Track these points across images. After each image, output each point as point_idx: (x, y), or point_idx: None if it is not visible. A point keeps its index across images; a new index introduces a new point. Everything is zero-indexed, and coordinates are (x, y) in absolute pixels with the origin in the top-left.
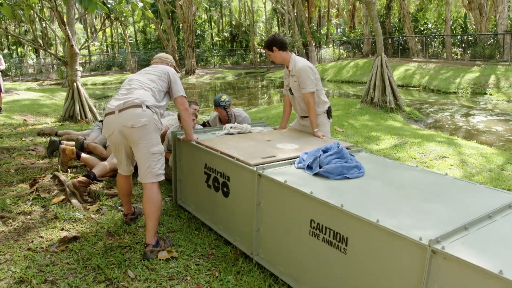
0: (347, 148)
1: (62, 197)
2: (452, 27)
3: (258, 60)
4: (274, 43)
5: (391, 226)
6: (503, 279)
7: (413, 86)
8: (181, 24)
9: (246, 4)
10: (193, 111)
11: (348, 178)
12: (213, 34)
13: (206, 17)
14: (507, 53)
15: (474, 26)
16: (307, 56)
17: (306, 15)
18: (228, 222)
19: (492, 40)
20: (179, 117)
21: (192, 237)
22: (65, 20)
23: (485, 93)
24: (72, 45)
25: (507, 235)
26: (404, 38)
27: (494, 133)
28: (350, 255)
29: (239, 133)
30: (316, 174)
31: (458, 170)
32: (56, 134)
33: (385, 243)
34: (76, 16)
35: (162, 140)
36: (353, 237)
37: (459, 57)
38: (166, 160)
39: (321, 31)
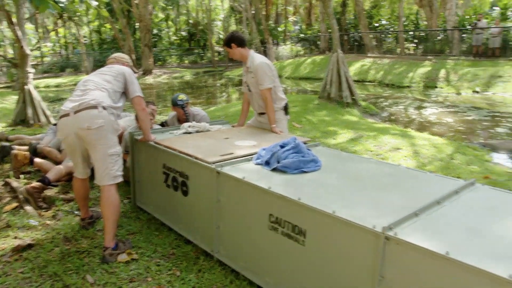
0: (304, 143)
1: (15, 204)
2: (405, 23)
3: (216, 59)
4: (232, 39)
5: (346, 216)
6: (450, 259)
7: (369, 81)
8: (137, 24)
9: (203, 2)
10: (151, 111)
11: (305, 172)
12: (171, 33)
13: (163, 16)
14: (455, 48)
15: (425, 23)
16: (265, 54)
17: (264, 12)
18: (188, 221)
19: (442, 35)
20: (136, 118)
21: (152, 238)
22: (14, 20)
23: (436, 87)
24: (22, 46)
25: (454, 219)
26: (360, 34)
27: (444, 124)
28: (308, 247)
29: (197, 132)
30: (274, 169)
31: (411, 161)
32: (7, 140)
33: (341, 233)
34: (27, 15)
35: (120, 142)
36: (311, 229)
37: (412, 52)
38: (124, 161)
39: (279, 28)
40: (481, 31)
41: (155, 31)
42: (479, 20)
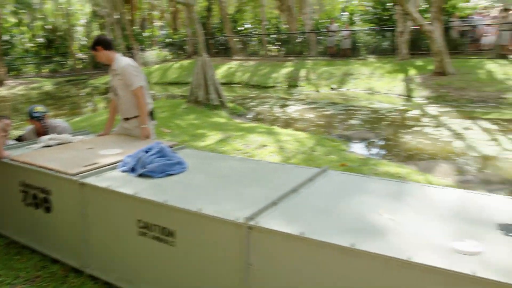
0: (170, 147)
1: None
2: (268, 27)
3: (80, 67)
4: (98, 42)
5: (212, 212)
6: (305, 238)
7: (236, 83)
8: None
9: (61, 6)
10: (3, 126)
11: (171, 174)
12: (25, 40)
13: (15, 21)
14: (313, 49)
15: (286, 26)
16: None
17: (129, 17)
18: (53, 239)
19: (301, 38)
20: None
21: (12, 263)
22: None
23: (298, 85)
24: None
25: (308, 203)
26: (225, 38)
27: (306, 120)
28: (179, 247)
29: (58, 144)
30: (140, 175)
31: (277, 156)
32: None
33: (208, 228)
34: None
35: None
36: (180, 229)
37: (275, 54)
38: None
39: (145, 33)
40: (334, 33)
41: (6, 38)
42: (331, 24)
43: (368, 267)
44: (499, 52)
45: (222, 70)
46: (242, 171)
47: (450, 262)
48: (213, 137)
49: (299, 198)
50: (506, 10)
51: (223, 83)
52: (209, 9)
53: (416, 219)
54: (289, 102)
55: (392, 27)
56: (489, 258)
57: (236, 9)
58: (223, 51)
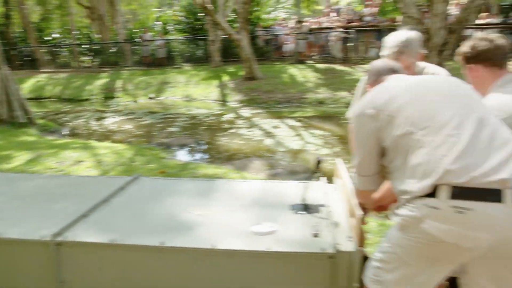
0: None
1: None
2: (79, 36)
3: None
4: None
5: (14, 235)
6: (115, 245)
7: (46, 98)
8: None
9: None
10: None
11: None
12: None
13: None
14: (128, 59)
15: (98, 36)
16: None
17: None
18: None
19: (115, 48)
20: None
21: None
22: None
23: (114, 97)
24: None
25: (119, 211)
26: (30, 48)
27: (125, 131)
28: None
29: None
30: None
31: (94, 170)
32: None
33: (12, 253)
34: None
35: None
36: None
37: (88, 65)
38: None
39: None
40: (148, 43)
41: None
42: (145, 33)
43: (178, 260)
44: (298, 58)
45: (29, 84)
46: (50, 188)
47: (249, 243)
48: (21, 157)
49: (110, 207)
50: (300, 22)
51: (30, 98)
52: (7, 16)
53: (223, 211)
54: (106, 114)
55: (205, 36)
56: (281, 235)
57: (41, 17)
58: (29, 63)
